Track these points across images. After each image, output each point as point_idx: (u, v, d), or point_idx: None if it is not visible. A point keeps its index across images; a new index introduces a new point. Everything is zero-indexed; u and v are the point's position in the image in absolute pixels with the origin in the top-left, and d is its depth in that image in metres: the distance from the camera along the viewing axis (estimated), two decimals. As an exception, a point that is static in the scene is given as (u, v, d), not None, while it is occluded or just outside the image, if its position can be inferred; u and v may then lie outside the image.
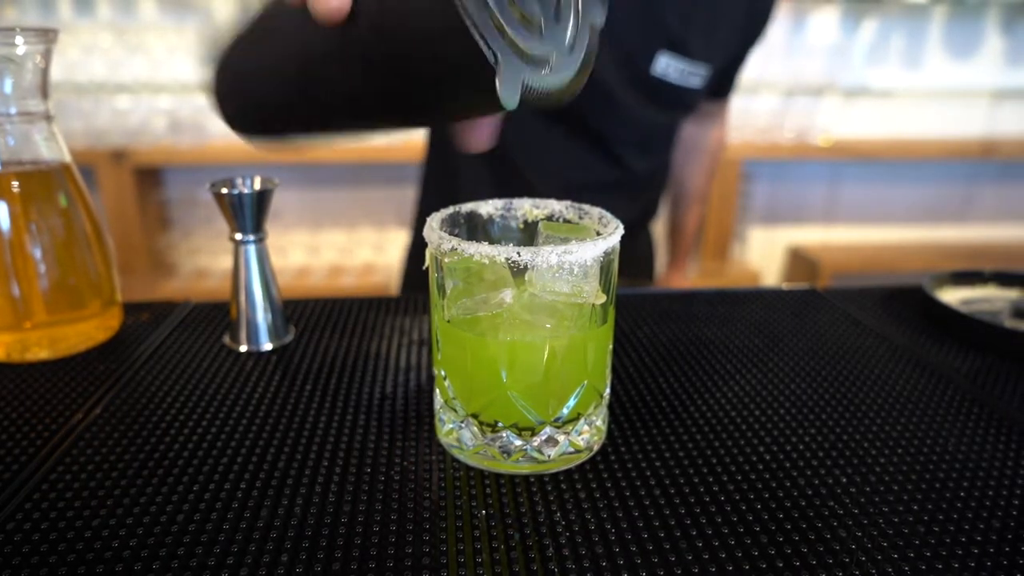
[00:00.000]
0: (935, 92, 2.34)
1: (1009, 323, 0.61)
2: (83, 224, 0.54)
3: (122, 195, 1.94)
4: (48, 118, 0.53)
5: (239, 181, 0.52)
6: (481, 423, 0.40)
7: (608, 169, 0.98)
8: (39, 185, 0.52)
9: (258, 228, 0.54)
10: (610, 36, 0.88)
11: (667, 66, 0.91)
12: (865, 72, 2.30)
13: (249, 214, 0.52)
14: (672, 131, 1.05)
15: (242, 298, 0.55)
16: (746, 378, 0.53)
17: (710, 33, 0.93)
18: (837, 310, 0.66)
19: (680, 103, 0.98)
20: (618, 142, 0.96)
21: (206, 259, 2.14)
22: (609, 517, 0.37)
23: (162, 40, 1.99)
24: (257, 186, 0.52)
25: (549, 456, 0.40)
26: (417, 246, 1.10)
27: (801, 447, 0.43)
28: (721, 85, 1.08)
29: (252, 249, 0.54)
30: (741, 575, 0.33)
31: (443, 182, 1.02)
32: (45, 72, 0.52)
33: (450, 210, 0.43)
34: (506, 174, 0.96)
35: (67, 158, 0.54)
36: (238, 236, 0.53)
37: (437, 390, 0.43)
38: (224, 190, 0.51)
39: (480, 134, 0.43)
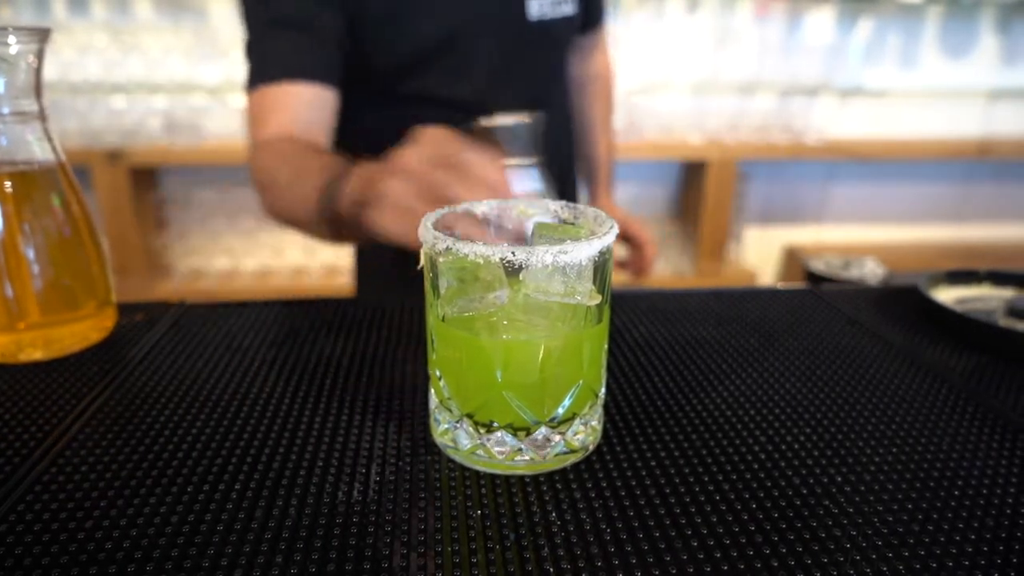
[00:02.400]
0: (930, 92, 2.35)
1: (1004, 322, 0.61)
2: (77, 224, 0.54)
3: (117, 195, 1.94)
4: (42, 118, 0.52)
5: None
6: (476, 423, 0.40)
7: None
8: (32, 185, 0.52)
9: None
10: (480, 2, 0.86)
11: (540, 5, 0.90)
12: (861, 72, 2.31)
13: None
14: (559, 78, 1.02)
15: None
16: (741, 378, 0.53)
17: None
18: (832, 309, 0.66)
19: (563, 37, 0.97)
20: (512, 108, 0.95)
21: (202, 260, 2.13)
22: (604, 517, 0.37)
23: (158, 40, 1.98)
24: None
25: (544, 456, 0.40)
26: (362, 250, 1.08)
27: (796, 446, 0.44)
28: (590, 14, 1.07)
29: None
30: (736, 574, 0.33)
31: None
32: (38, 72, 0.51)
33: (444, 210, 0.43)
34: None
35: (61, 158, 0.54)
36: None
37: (432, 390, 0.43)
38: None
39: None
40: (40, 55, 0.51)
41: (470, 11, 0.86)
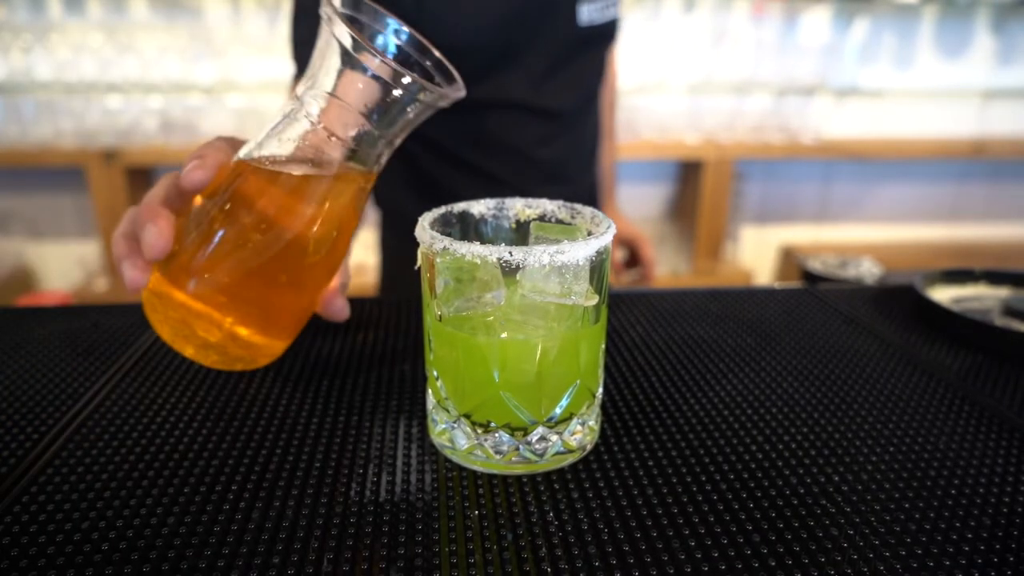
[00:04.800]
0: (926, 92, 2.36)
1: (999, 321, 0.62)
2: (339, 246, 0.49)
3: (113, 195, 1.93)
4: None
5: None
6: (473, 423, 0.40)
7: (565, 137, 0.99)
8: (346, 195, 0.47)
9: None
10: (532, 6, 0.87)
11: (591, 12, 0.92)
12: (856, 72, 2.31)
13: None
14: (602, 75, 1.05)
15: None
16: (738, 377, 0.53)
17: None
18: (829, 309, 0.67)
19: (608, 39, 0.99)
20: (567, 107, 0.96)
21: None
22: (602, 517, 0.37)
23: (153, 40, 1.98)
24: None
25: (542, 456, 0.40)
26: (390, 246, 1.09)
27: (793, 446, 0.44)
28: None
29: None
30: (734, 574, 0.33)
31: (418, 180, 1.01)
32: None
33: (442, 210, 0.43)
34: (478, 164, 0.95)
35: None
36: None
37: (429, 390, 0.43)
38: None
39: (336, 303, 0.49)
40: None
41: (521, 21, 0.88)
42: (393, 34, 0.48)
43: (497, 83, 0.90)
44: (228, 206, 0.44)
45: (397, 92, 0.43)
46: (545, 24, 0.89)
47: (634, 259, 1.20)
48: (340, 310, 0.50)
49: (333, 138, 0.44)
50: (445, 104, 0.45)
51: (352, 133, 0.44)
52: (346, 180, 0.46)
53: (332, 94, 0.43)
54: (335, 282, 0.51)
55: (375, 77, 0.42)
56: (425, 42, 0.48)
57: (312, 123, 0.44)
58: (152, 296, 0.46)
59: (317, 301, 0.51)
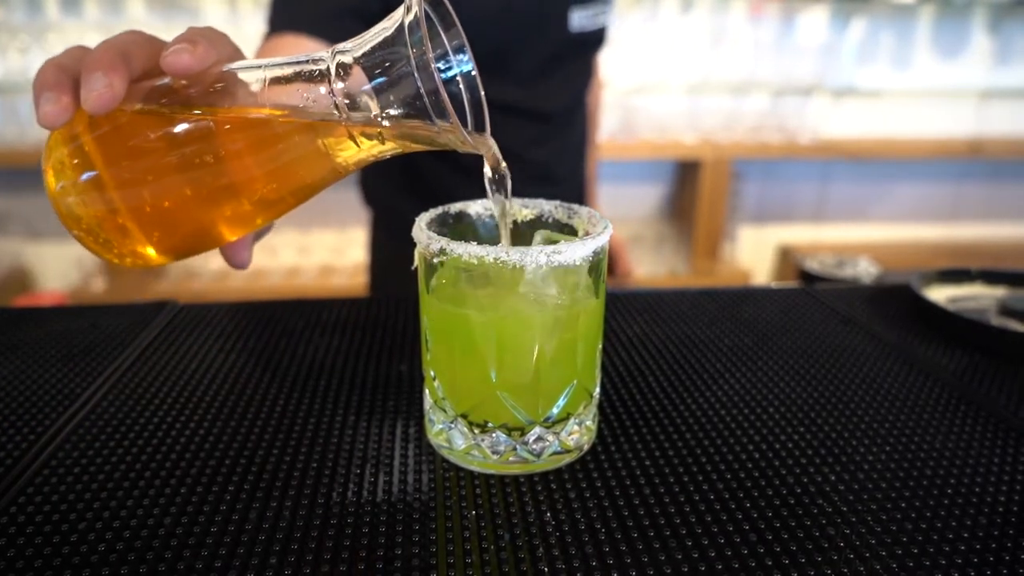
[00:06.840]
0: (923, 92, 2.36)
1: (996, 321, 0.62)
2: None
3: (110, 196, 1.93)
4: None
5: None
6: (471, 423, 0.40)
7: (556, 138, 1.00)
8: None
9: None
10: (525, 12, 0.88)
11: (581, 18, 0.93)
12: (854, 72, 2.32)
13: None
14: (590, 77, 1.07)
15: None
16: (736, 377, 0.53)
17: None
18: (826, 308, 0.67)
19: (598, 45, 1.01)
20: (558, 109, 0.98)
21: (194, 259, 2.12)
22: (599, 517, 0.37)
23: (150, 40, 1.98)
24: None
25: (539, 456, 0.40)
26: (384, 245, 1.09)
27: (790, 445, 0.44)
28: None
29: None
30: (731, 574, 0.33)
31: (412, 179, 1.01)
32: None
33: (439, 210, 0.43)
34: (471, 164, 0.96)
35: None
36: None
37: (426, 390, 0.43)
38: None
39: (241, 253, 0.45)
40: None
41: (514, 28, 0.89)
42: (457, 62, 0.46)
43: (490, 85, 0.91)
44: (192, 114, 0.39)
45: (424, 103, 0.37)
46: (537, 29, 0.91)
47: (611, 267, 1.21)
48: (244, 261, 0.46)
49: (336, 103, 0.39)
50: (456, 147, 0.42)
51: (357, 106, 0.40)
52: (320, 154, 0.42)
53: (362, 65, 0.39)
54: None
55: (412, 79, 0.37)
56: (480, 89, 0.46)
57: (327, 78, 0.39)
58: (65, 144, 0.40)
59: (224, 242, 0.46)
